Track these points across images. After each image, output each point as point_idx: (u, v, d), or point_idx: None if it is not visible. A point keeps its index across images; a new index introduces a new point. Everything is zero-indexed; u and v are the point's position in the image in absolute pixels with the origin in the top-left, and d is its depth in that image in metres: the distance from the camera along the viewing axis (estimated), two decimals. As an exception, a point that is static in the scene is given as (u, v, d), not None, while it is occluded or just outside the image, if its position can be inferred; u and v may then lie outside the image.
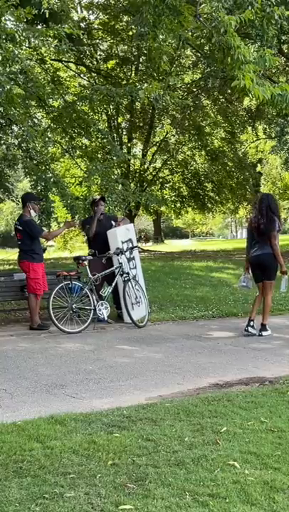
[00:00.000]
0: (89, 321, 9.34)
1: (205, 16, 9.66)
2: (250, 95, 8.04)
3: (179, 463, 3.94)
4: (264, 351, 7.77)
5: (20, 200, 11.46)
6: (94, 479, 3.67)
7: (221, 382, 6.22)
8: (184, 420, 4.82)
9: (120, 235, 10.18)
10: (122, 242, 10.10)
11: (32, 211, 9.73)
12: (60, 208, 16.00)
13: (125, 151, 22.20)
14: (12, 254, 10.83)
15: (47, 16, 9.66)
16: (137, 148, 29.40)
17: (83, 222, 10.97)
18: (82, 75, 23.33)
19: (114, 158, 15.46)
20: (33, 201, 9.84)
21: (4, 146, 14.38)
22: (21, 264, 9.64)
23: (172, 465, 3.91)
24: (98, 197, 11.18)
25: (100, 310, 9.52)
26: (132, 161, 24.10)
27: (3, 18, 10.28)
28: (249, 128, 29.59)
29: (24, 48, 13.87)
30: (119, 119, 26.59)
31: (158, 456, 4.06)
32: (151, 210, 32.30)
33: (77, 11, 22.88)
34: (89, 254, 10.12)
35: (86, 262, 9.67)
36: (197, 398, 5.51)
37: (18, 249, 9.79)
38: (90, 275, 9.61)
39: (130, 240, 10.45)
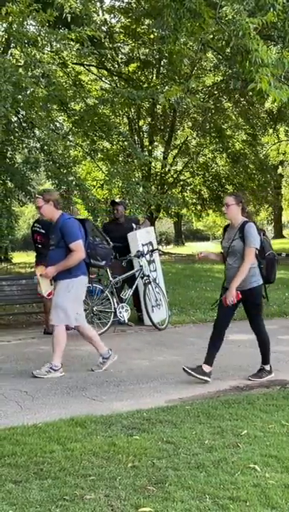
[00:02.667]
0: (109, 323, 9.35)
1: (226, 18, 9.66)
2: (267, 98, 8.03)
3: (199, 466, 3.93)
4: (285, 354, 7.73)
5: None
6: (114, 481, 3.68)
7: (241, 384, 6.21)
8: (204, 423, 4.82)
9: (141, 237, 10.19)
10: (143, 245, 10.11)
11: None
12: (81, 210, 16.05)
13: (146, 153, 22.20)
14: (33, 256, 10.87)
15: (69, 20, 9.71)
16: (158, 151, 29.40)
17: (104, 226, 10.99)
18: (103, 79, 23.38)
19: (136, 160, 15.49)
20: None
21: (26, 150, 14.47)
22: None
23: (192, 468, 3.90)
24: (117, 200, 11.22)
25: (120, 313, 9.53)
26: (152, 164, 24.05)
27: (25, 22, 10.38)
28: (270, 130, 29.43)
29: (46, 51, 13.96)
30: (141, 122, 26.60)
31: (178, 458, 4.06)
32: (172, 213, 32.27)
33: (98, 15, 22.97)
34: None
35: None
36: (217, 401, 5.51)
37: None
38: (110, 278, 9.62)
39: (150, 243, 10.45)
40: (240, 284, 6.40)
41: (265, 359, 6.71)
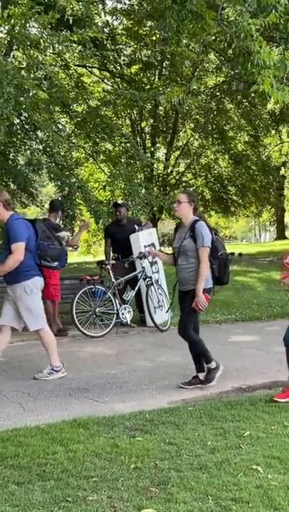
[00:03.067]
0: (112, 325, 9.37)
1: (228, 20, 9.66)
2: (269, 99, 8.03)
3: (201, 467, 3.94)
4: (288, 356, 7.71)
5: (44, 205, 11.44)
6: (116, 483, 3.69)
7: (244, 386, 6.21)
8: (207, 424, 4.82)
9: (143, 239, 10.20)
10: (145, 246, 10.12)
11: (58, 219, 9.80)
12: (84, 211, 16.08)
13: (148, 155, 22.21)
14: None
15: (70, 22, 9.72)
16: (160, 153, 29.40)
17: (107, 228, 11.00)
18: (105, 80, 23.40)
19: (138, 162, 15.49)
20: (62, 210, 9.92)
21: (29, 152, 14.49)
22: (43, 268, 9.53)
23: (195, 469, 3.90)
24: (120, 201, 11.23)
25: (122, 314, 9.54)
26: (155, 165, 24.04)
27: (27, 24, 10.39)
28: (273, 131, 29.43)
29: (48, 54, 13.98)
30: (143, 124, 26.60)
31: (180, 460, 4.07)
32: (175, 214, 32.27)
33: (100, 17, 23.00)
34: (112, 259, 10.15)
35: (109, 267, 9.70)
36: (220, 402, 5.51)
37: None
38: (113, 279, 9.63)
39: (153, 244, 10.46)
40: (185, 284, 6.23)
41: (207, 358, 6.36)
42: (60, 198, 12.23)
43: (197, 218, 6.33)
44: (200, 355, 6.36)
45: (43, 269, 9.52)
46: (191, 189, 30.00)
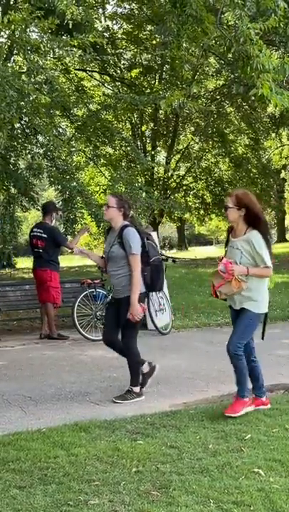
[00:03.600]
0: (113, 328, 9.36)
1: (228, 23, 9.69)
2: (268, 103, 8.05)
3: (203, 470, 3.94)
4: (288, 358, 7.72)
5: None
6: (118, 486, 3.69)
7: (245, 389, 6.19)
8: (208, 427, 4.82)
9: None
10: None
11: (54, 220, 9.81)
12: (85, 215, 16.11)
13: (149, 158, 22.22)
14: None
15: (70, 26, 9.74)
16: (161, 156, 29.44)
17: (107, 231, 11.00)
18: (106, 84, 23.43)
19: (139, 166, 15.51)
20: (56, 211, 9.91)
21: (29, 156, 14.52)
22: (42, 272, 9.52)
23: (196, 472, 3.91)
24: None
25: (124, 317, 9.53)
26: (155, 169, 24.07)
27: (28, 29, 10.42)
28: (273, 134, 29.45)
29: (49, 58, 14.01)
30: (143, 128, 26.64)
31: (182, 463, 4.07)
32: (175, 218, 32.31)
33: (101, 21, 23.06)
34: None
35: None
36: (221, 405, 5.51)
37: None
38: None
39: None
40: (116, 292, 5.97)
41: (135, 380, 5.98)
42: (55, 200, 12.23)
43: (126, 223, 5.99)
44: (134, 372, 6.01)
45: (42, 272, 9.57)
46: (191, 192, 30.08)
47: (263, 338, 5.71)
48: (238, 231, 5.40)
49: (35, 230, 9.73)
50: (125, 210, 6.04)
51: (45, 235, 9.51)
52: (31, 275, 10.73)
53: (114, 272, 6.00)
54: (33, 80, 10.96)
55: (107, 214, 6.09)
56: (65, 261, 10.75)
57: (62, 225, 13.25)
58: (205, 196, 30.71)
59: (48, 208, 9.97)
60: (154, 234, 11.01)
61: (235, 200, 5.35)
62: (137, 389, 5.95)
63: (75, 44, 11.04)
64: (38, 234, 9.59)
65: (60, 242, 9.62)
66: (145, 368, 6.09)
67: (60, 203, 12.34)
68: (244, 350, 5.45)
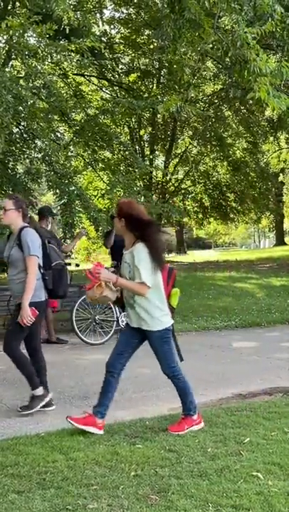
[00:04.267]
0: (112, 332, 9.38)
1: (225, 27, 9.73)
2: (265, 106, 8.10)
3: (201, 474, 3.93)
4: (287, 361, 7.72)
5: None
6: (117, 490, 3.68)
7: (244, 392, 6.21)
8: (207, 431, 4.82)
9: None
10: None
11: (50, 225, 9.83)
12: (83, 219, 16.15)
13: (147, 163, 22.27)
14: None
15: (67, 31, 9.78)
16: (159, 160, 29.49)
17: (106, 234, 11.03)
18: (104, 89, 23.50)
19: (137, 170, 15.55)
20: (51, 215, 9.93)
21: (28, 160, 14.54)
22: None
23: (195, 476, 3.90)
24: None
25: (122, 321, 9.54)
26: (154, 173, 24.15)
27: (25, 34, 10.46)
28: (271, 138, 29.52)
29: (47, 63, 14.07)
30: (141, 132, 26.71)
31: (181, 467, 4.06)
32: (174, 222, 32.33)
33: (98, 26, 23.13)
34: (112, 266, 10.16)
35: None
36: (220, 409, 5.51)
37: None
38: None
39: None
40: (16, 297, 5.65)
41: (32, 383, 5.64)
42: (53, 205, 12.28)
43: (25, 225, 5.70)
44: (28, 375, 5.68)
45: None
46: (190, 196, 30.12)
47: (181, 360, 5.32)
48: (127, 243, 5.05)
49: None
50: (23, 210, 5.74)
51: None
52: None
53: (14, 277, 5.63)
54: (30, 85, 11.00)
55: (6, 218, 5.68)
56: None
57: (60, 229, 13.26)
58: (203, 200, 30.77)
59: (43, 213, 9.99)
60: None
61: (117, 209, 4.98)
62: (39, 391, 5.61)
63: (73, 49, 11.07)
64: None
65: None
66: (37, 392, 5.64)
67: (59, 207, 12.36)
68: (120, 367, 5.17)
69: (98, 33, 20.32)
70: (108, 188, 14.18)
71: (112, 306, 9.52)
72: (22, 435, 4.76)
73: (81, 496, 3.62)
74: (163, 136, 27.52)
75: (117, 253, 10.36)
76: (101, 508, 3.45)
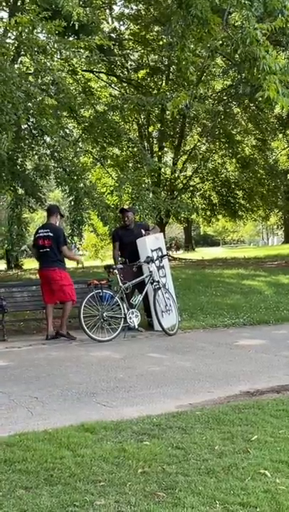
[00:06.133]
0: (119, 329, 9.37)
1: (235, 24, 9.69)
2: (274, 105, 8.05)
3: (209, 471, 3.92)
4: (296, 360, 7.70)
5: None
6: (124, 487, 3.68)
7: (251, 390, 6.19)
8: (215, 428, 4.80)
9: (149, 243, 10.21)
10: (152, 251, 10.13)
11: (58, 222, 9.93)
12: (92, 215, 16.17)
13: (156, 159, 22.26)
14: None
15: (76, 28, 9.77)
16: (168, 157, 29.47)
17: (114, 232, 11.03)
18: (113, 85, 23.50)
19: (145, 167, 15.55)
20: (59, 213, 10.01)
21: (36, 157, 14.56)
22: (51, 271, 9.59)
23: (202, 473, 3.89)
24: (126, 207, 11.27)
25: (130, 318, 9.55)
26: (162, 170, 24.12)
27: (35, 31, 10.46)
28: (280, 135, 29.44)
29: (56, 59, 14.08)
30: (150, 128, 26.69)
31: (188, 464, 4.06)
32: (182, 218, 32.32)
33: (108, 22, 23.11)
34: (120, 263, 10.17)
35: (117, 271, 9.71)
36: (228, 406, 5.49)
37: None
38: (120, 284, 9.65)
39: (160, 249, 10.47)
40: None
41: None
42: (62, 201, 12.35)
43: None
44: None
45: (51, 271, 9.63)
46: (198, 193, 30.11)
47: None
48: None
49: (40, 231, 9.82)
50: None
51: (51, 234, 9.59)
52: (37, 276, 10.75)
53: None
54: (40, 81, 11.00)
55: None
56: (70, 262, 10.75)
57: (68, 226, 13.29)
58: (212, 197, 30.73)
59: (52, 210, 10.08)
60: (160, 235, 11.03)
61: None
62: None
63: (82, 46, 11.08)
64: (45, 234, 9.66)
65: (60, 243, 9.66)
66: None
67: (67, 204, 12.41)
68: None
69: (107, 30, 20.32)
70: (116, 184, 14.19)
71: (120, 303, 9.52)
72: (29, 431, 4.77)
73: (88, 492, 3.62)
74: (172, 133, 27.48)
75: (126, 250, 10.39)
76: (108, 505, 3.45)
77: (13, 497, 3.56)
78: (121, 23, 23.78)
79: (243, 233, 73.06)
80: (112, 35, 21.25)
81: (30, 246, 10.34)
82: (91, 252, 31.39)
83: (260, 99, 8.06)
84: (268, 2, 8.53)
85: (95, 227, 14.94)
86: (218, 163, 29.92)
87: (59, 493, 3.60)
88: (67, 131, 16.09)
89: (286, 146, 31.81)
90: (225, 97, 25.59)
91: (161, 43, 22.03)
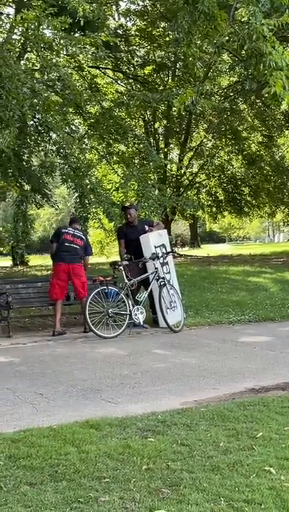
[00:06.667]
0: (125, 325, 9.37)
1: (241, 19, 9.65)
2: (281, 101, 8.00)
3: (213, 468, 3.92)
4: (301, 357, 7.68)
5: (59, 205, 11.66)
6: (128, 484, 3.68)
7: (257, 387, 6.18)
8: (219, 425, 4.80)
9: (153, 240, 10.20)
10: (155, 247, 10.11)
11: (80, 227, 10.46)
12: (98, 211, 16.15)
13: (162, 156, 22.22)
14: (49, 259, 10.96)
15: (82, 24, 9.75)
16: (174, 154, 29.42)
17: (119, 229, 11.03)
18: (119, 82, 23.48)
19: (151, 163, 15.51)
20: (78, 221, 10.72)
21: (42, 153, 14.54)
22: (78, 266, 9.88)
23: (207, 470, 3.89)
24: (127, 204, 11.28)
25: (135, 315, 9.55)
26: (168, 166, 24.09)
27: (41, 27, 10.45)
28: (287, 131, 29.34)
29: (62, 55, 14.06)
30: (156, 125, 26.64)
31: (193, 461, 4.05)
32: (188, 215, 32.29)
33: (114, 18, 23.06)
34: (125, 259, 10.16)
35: (122, 267, 9.71)
36: (233, 403, 5.49)
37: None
38: (126, 280, 9.64)
39: (163, 245, 10.46)
40: None
41: None
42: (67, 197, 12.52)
43: None
44: None
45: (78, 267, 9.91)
46: (204, 190, 30.06)
47: None
48: None
49: (69, 229, 10.15)
50: None
51: (83, 238, 10.14)
52: (44, 272, 10.77)
53: None
54: (46, 78, 10.99)
55: None
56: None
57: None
58: (218, 194, 30.68)
59: (74, 219, 10.66)
60: (164, 232, 11.01)
61: None
62: None
63: (88, 42, 11.04)
64: (76, 233, 10.05)
65: (88, 252, 10.28)
66: None
67: (73, 200, 12.44)
68: None
69: (114, 26, 20.28)
70: (122, 181, 14.16)
71: (125, 299, 9.52)
72: (34, 427, 4.77)
73: (93, 488, 3.62)
74: (178, 130, 27.44)
75: (130, 247, 10.38)
76: (112, 501, 3.45)
77: (17, 493, 3.57)
78: (127, 19, 23.73)
79: (249, 230, 72.93)
80: (118, 31, 21.21)
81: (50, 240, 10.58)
82: (97, 248, 31.41)
83: (267, 95, 8.03)
84: (274, -2, 8.50)
85: (102, 222, 14.92)
86: (224, 159, 29.85)
87: (63, 490, 3.60)
88: (73, 127, 16.06)
89: (292, 142, 31.71)
90: (231, 94, 25.52)
91: (167, 39, 21.97)
